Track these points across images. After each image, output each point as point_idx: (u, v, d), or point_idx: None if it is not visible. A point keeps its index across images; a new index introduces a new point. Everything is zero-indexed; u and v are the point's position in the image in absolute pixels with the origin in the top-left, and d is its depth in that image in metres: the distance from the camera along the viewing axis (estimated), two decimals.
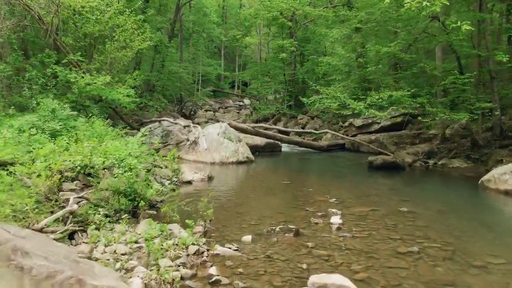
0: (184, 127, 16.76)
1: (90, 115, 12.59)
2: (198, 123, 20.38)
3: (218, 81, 53.12)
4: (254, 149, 17.46)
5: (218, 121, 19.77)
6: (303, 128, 24.98)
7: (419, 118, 15.81)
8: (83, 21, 15.08)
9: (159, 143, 16.49)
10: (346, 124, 19.72)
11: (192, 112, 39.43)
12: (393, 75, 16.69)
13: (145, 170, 9.03)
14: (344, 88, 15.36)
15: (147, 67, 29.89)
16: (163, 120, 17.67)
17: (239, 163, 14.52)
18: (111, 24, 15.65)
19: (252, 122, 27.43)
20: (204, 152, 14.59)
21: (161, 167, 10.85)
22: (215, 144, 14.72)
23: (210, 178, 11.22)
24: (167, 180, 9.94)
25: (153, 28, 26.55)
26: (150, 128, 16.95)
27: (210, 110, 42.02)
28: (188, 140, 15.94)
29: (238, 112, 41.64)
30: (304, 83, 27.29)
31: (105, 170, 7.86)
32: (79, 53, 14.62)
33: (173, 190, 8.97)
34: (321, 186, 11.12)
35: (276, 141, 18.42)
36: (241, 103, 48.55)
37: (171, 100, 40.13)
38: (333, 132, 18.51)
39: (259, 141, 18.08)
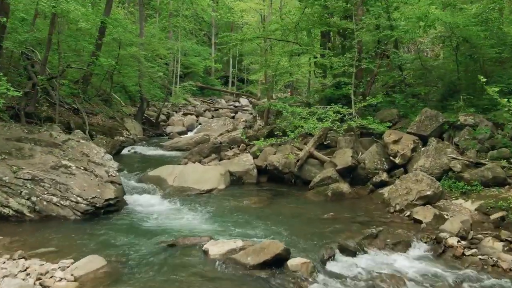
0: None
1: None
2: None
3: (207, 76, 36.25)
4: None
5: None
6: None
7: None
8: None
9: None
10: None
11: (162, 116, 22.66)
12: None
13: None
14: None
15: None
16: None
17: None
18: None
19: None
20: None
21: None
22: None
23: None
24: None
25: None
26: None
27: (192, 114, 25.21)
28: None
29: (233, 117, 24.85)
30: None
31: None
32: None
33: None
34: None
35: None
36: (236, 104, 31.95)
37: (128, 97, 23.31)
38: None
39: None
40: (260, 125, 18.72)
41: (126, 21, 17.78)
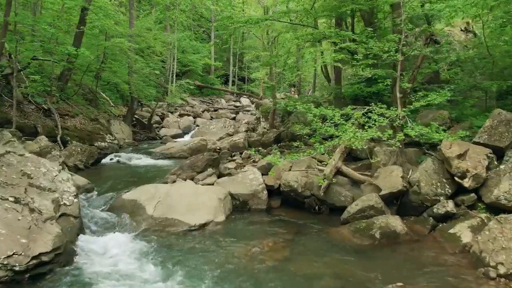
0: None
1: None
2: None
3: (206, 74, 33.69)
4: None
5: None
6: None
7: None
8: None
9: None
10: None
11: (156, 117, 20.15)
12: None
13: None
14: None
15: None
16: None
17: None
18: None
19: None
20: None
21: None
22: None
23: None
24: None
25: None
26: None
27: (189, 115, 22.66)
28: None
29: (233, 118, 22.36)
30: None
31: None
32: None
33: None
34: None
35: None
36: (237, 104, 29.40)
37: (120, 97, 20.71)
38: None
39: None
40: (265, 128, 16.20)
41: (114, 12, 15.15)
